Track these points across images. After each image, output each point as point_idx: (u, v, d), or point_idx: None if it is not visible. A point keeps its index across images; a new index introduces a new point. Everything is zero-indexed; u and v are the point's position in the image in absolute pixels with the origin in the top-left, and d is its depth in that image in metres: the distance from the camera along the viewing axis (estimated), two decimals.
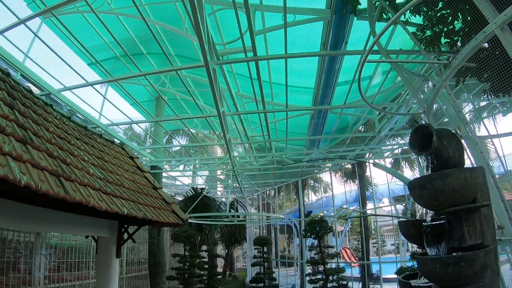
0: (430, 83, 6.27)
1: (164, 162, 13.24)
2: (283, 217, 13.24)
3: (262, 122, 8.92)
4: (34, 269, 8.55)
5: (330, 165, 14.55)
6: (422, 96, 6.74)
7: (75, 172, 3.99)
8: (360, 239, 32.27)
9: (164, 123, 12.42)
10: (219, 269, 21.21)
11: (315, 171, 15.29)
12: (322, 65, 7.46)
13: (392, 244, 32.22)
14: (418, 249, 9.89)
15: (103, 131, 8.45)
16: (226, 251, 21.72)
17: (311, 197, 22.71)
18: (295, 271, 19.61)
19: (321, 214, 20.69)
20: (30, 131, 3.80)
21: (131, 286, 12.99)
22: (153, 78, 10.10)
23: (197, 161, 15.29)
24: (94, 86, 7.70)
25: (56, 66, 7.81)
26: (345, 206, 18.95)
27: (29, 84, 6.31)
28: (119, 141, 8.86)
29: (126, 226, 6.89)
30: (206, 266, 15.62)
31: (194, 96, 9.86)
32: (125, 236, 6.90)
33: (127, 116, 9.82)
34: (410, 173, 17.63)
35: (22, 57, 6.44)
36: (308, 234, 11.96)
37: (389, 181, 13.70)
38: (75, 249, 10.16)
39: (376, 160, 11.58)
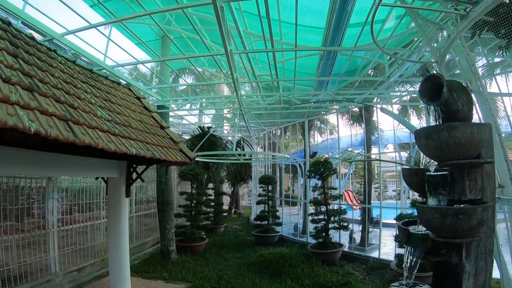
0: (444, 33, 6.00)
1: (171, 101, 13.16)
2: (288, 156, 13.30)
3: (270, 61, 8.70)
4: (47, 213, 8.84)
5: (337, 107, 14.43)
6: (435, 45, 6.48)
7: (83, 116, 3.98)
8: (362, 183, 32.93)
9: (170, 62, 12.19)
10: (225, 207, 21.86)
11: (322, 112, 15.19)
12: (334, 4, 7.13)
13: (393, 190, 32.79)
14: (418, 198, 10.08)
15: (108, 73, 8.32)
16: (232, 189, 22.23)
17: (317, 138, 22.83)
18: (298, 211, 20.16)
19: (326, 155, 20.94)
20: (36, 79, 3.76)
21: (140, 224, 13.47)
22: (158, 17, 9.82)
23: (203, 100, 15.21)
24: (98, 28, 7.48)
25: (57, 11, 7.57)
26: (350, 149, 19.04)
27: (31, 31, 6.11)
28: (125, 82, 8.78)
29: (134, 166, 7.03)
30: (213, 203, 16.11)
31: (201, 34, 9.61)
32: (134, 176, 7.05)
33: (132, 57, 9.62)
34: (417, 121, 17.54)
35: (21, 4, 6.19)
36: (313, 174, 12.12)
37: (395, 127, 13.59)
38: (86, 191, 10.44)
39: (384, 106, 11.43)
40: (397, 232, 9.53)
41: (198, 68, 13.32)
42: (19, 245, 7.87)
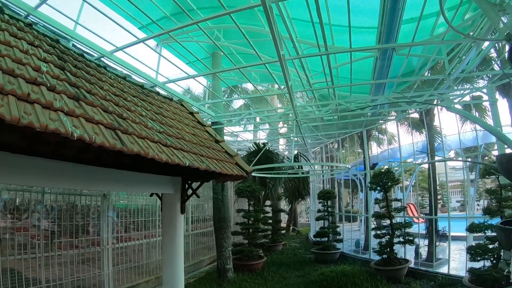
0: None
1: (225, 118, 13.10)
2: (349, 167, 12.68)
3: (324, 66, 8.34)
4: (102, 230, 8.97)
5: (395, 114, 13.72)
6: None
7: (132, 126, 3.83)
8: (423, 195, 31.21)
9: (222, 82, 12.21)
10: (283, 224, 21.41)
11: (380, 121, 14.52)
12: (385, 1, 6.72)
13: (457, 201, 30.72)
14: (493, 204, 9.12)
15: (160, 90, 8.36)
16: (290, 206, 21.78)
17: (376, 150, 21.94)
18: (358, 226, 19.36)
19: (387, 166, 19.97)
20: (83, 89, 3.66)
21: (196, 242, 13.40)
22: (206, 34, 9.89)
23: (257, 114, 15.01)
24: (147, 43, 7.55)
25: (106, 32, 7.75)
26: (410, 160, 17.98)
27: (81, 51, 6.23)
28: (177, 98, 8.78)
29: (189, 182, 6.85)
30: (270, 221, 15.74)
31: (250, 47, 9.50)
32: (189, 192, 6.88)
33: (183, 71, 9.64)
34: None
35: (71, 25, 6.34)
36: (374, 186, 11.50)
37: (459, 131, 12.59)
38: (142, 210, 10.59)
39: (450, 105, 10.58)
40: (497, 234, 8.60)
41: (251, 83, 13.20)
42: (73, 261, 8.02)
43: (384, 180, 11.11)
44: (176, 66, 9.23)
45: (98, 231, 9.00)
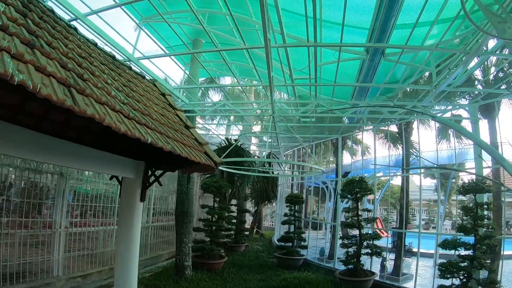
0: None
1: (199, 106, 12.49)
2: (323, 170, 12.31)
3: (310, 62, 7.95)
4: (56, 212, 8.24)
5: (371, 127, 13.52)
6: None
7: (92, 89, 3.26)
8: (390, 210, 31.51)
9: (200, 71, 11.63)
10: (247, 225, 20.94)
11: (357, 130, 14.32)
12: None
13: (423, 219, 31.25)
14: (464, 222, 9.00)
15: (135, 68, 7.75)
16: (256, 208, 21.32)
17: (348, 159, 21.83)
18: (323, 235, 19.16)
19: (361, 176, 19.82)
20: (43, 40, 3.07)
21: (157, 236, 12.75)
22: (190, 18, 9.35)
23: (233, 105, 14.39)
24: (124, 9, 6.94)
25: None
26: (380, 174, 17.87)
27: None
28: (151, 78, 8.19)
29: (153, 168, 6.27)
30: (234, 221, 15.23)
31: (234, 36, 9.02)
32: (152, 179, 6.31)
33: (163, 50, 9.02)
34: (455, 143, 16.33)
35: None
36: (345, 194, 11.22)
37: (435, 147, 12.45)
38: (101, 196, 9.98)
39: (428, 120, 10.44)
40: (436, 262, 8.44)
41: (228, 79, 12.66)
42: (23, 242, 7.31)
43: (356, 189, 10.82)
44: (156, 43, 8.59)
45: (52, 213, 8.27)
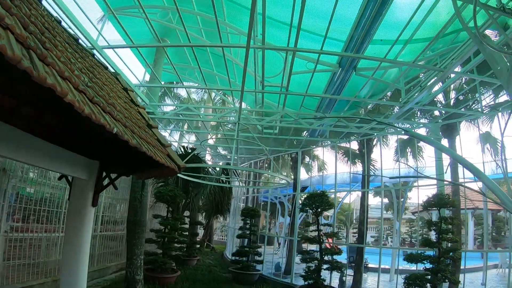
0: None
1: (161, 108, 11.79)
2: (290, 181, 11.95)
3: (285, 68, 7.78)
4: None
5: (330, 142, 13.50)
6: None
7: (55, 59, 2.69)
8: (340, 227, 31.98)
9: (162, 73, 11.01)
10: (198, 239, 20.19)
11: (317, 145, 14.24)
12: (364, 11, 6.31)
13: (372, 236, 31.88)
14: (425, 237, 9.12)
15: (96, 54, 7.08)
16: (207, 220, 20.63)
17: (304, 174, 21.78)
18: (275, 250, 18.87)
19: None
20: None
21: (104, 246, 11.76)
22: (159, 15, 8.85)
23: (196, 109, 13.66)
24: None
25: None
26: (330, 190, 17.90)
27: None
28: (113, 70, 7.54)
29: (108, 170, 5.62)
30: (186, 232, 14.54)
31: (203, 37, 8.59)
32: (105, 182, 5.64)
33: (128, 36, 8.37)
34: (412, 162, 16.72)
35: None
36: (306, 208, 11.06)
37: (393, 166, 12.63)
38: (47, 199, 8.98)
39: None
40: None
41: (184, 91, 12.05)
42: None
43: (317, 203, 10.58)
44: (125, 32, 7.94)
45: None
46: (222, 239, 27.92)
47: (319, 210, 10.77)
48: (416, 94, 8.91)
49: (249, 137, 12.03)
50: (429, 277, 8.16)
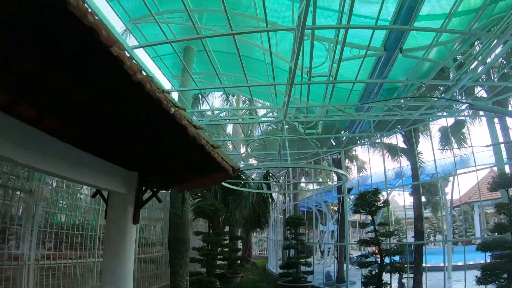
0: None
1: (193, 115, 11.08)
2: (349, 177, 11.11)
3: (334, 54, 7.15)
4: (24, 240, 6.65)
5: (367, 141, 12.69)
6: None
7: None
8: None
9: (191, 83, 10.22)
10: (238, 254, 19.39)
11: (357, 143, 13.43)
12: None
13: (412, 237, 30.49)
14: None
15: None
16: (245, 235, 19.79)
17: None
18: (318, 259, 17.98)
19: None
20: None
21: (142, 270, 11.05)
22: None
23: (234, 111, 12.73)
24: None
25: None
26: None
27: None
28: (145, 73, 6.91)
29: (149, 181, 4.86)
30: (227, 249, 13.74)
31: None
32: (145, 196, 4.92)
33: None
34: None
35: None
36: (359, 209, 10.30)
37: (436, 157, 11.60)
38: (79, 223, 8.35)
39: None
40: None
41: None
42: None
43: (371, 202, 9.75)
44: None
45: (19, 243, 6.67)
46: (260, 253, 27.07)
47: (373, 209, 9.97)
48: (471, 67, 8.17)
49: (293, 139, 11.22)
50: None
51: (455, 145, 14.53)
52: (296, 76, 7.31)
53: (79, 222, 8.64)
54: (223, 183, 8.60)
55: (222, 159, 3.97)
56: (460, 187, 30.34)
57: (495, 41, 7.12)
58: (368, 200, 9.89)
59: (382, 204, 10.20)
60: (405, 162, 15.24)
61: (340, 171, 10.25)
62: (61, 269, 7.61)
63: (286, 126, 8.15)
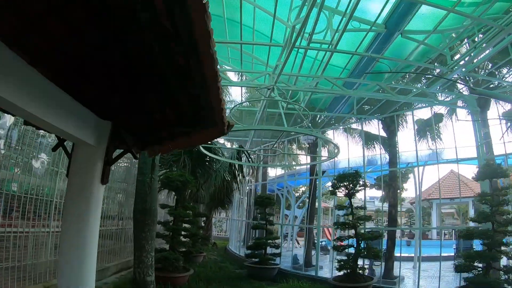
0: None
1: None
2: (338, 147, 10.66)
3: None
4: None
5: (353, 120, 12.35)
6: None
7: None
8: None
9: None
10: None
11: (337, 125, 13.08)
12: None
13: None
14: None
15: None
16: (208, 213, 19.15)
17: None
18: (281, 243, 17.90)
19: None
20: None
21: (100, 245, 9.83)
22: None
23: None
24: None
25: None
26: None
27: None
28: None
29: (123, 133, 4.00)
30: (193, 225, 13.02)
31: None
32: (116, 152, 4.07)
33: None
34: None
35: None
36: (336, 190, 10.18)
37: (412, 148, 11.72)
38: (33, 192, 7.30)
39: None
40: None
41: None
42: None
43: (351, 183, 9.57)
44: None
45: None
46: (218, 234, 26.60)
47: (352, 191, 9.77)
48: (467, 58, 8.38)
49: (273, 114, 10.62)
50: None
51: (431, 138, 14.70)
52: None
53: (33, 189, 7.55)
54: (202, 148, 7.98)
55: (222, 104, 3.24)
56: (425, 181, 31.05)
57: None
58: (348, 181, 9.62)
59: (361, 188, 9.98)
60: (378, 151, 15.18)
61: (333, 141, 9.86)
62: (10, 240, 6.60)
63: (274, 95, 7.48)
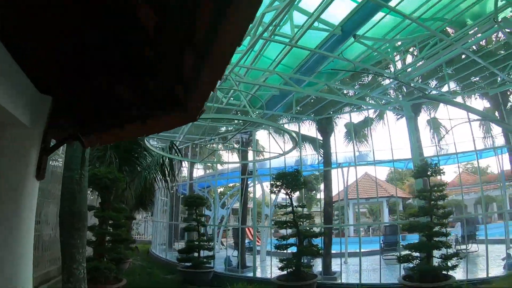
0: None
1: None
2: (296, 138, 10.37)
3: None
4: None
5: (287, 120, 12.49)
6: None
7: None
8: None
9: None
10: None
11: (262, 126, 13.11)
12: None
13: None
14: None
15: None
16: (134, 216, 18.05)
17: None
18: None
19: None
20: None
21: None
22: None
23: None
24: None
25: None
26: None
27: None
28: None
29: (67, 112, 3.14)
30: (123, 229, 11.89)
31: None
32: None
33: None
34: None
35: None
36: (276, 189, 10.06)
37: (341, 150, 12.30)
38: None
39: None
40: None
41: None
42: None
43: (290, 182, 9.63)
44: None
45: None
46: (137, 237, 25.40)
47: (292, 189, 9.80)
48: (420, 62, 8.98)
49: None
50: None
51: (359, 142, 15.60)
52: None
53: None
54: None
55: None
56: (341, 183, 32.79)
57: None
58: (287, 180, 9.63)
59: (302, 186, 10.21)
60: (310, 151, 15.59)
61: (292, 133, 9.68)
62: None
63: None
